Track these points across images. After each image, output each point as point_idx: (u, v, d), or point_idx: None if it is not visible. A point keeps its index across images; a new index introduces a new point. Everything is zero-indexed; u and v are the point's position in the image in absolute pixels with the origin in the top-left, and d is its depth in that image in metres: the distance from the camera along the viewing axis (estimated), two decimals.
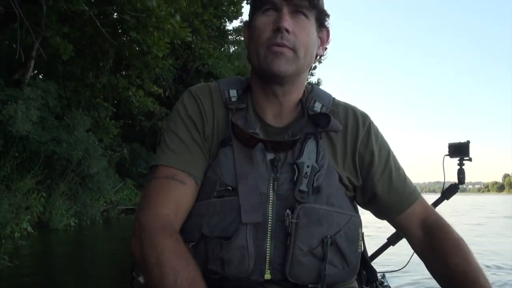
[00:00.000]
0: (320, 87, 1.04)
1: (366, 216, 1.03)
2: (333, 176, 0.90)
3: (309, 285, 0.86)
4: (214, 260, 0.84)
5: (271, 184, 0.86)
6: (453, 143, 1.97)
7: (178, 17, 8.90)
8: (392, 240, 1.86)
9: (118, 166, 13.75)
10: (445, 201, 1.98)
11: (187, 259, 0.75)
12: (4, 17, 8.29)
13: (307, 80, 1.02)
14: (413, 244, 0.97)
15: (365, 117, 0.98)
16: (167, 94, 15.16)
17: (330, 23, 0.95)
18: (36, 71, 10.24)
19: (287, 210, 0.84)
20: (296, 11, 0.87)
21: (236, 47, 20.89)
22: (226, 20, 17.44)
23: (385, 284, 1.41)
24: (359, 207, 1.00)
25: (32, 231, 7.57)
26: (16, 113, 7.54)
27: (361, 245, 0.94)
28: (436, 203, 1.92)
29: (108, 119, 12.00)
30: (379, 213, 1.00)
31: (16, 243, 6.33)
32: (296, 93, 0.94)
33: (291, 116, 0.94)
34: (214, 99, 0.94)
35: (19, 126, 7.58)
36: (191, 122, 0.91)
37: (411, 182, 0.99)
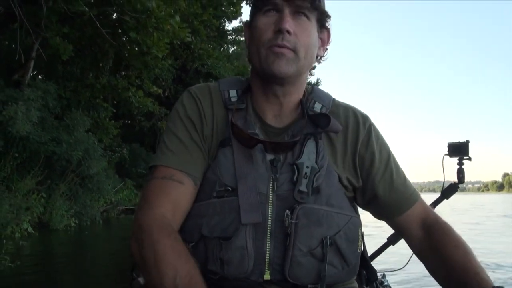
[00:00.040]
0: (319, 87, 1.04)
1: (366, 215, 1.04)
2: (332, 177, 0.90)
3: (309, 286, 0.86)
4: (214, 260, 0.84)
5: (271, 185, 0.86)
6: (452, 142, 1.97)
7: (177, 18, 8.90)
8: (392, 240, 1.87)
9: (117, 166, 13.75)
10: (445, 200, 1.99)
11: (185, 257, 0.75)
12: (4, 18, 8.29)
13: (307, 80, 1.02)
14: (412, 245, 0.97)
15: (365, 118, 0.98)
16: (166, 94, 15.16)
17: (331, 23, 0.95)
18: (36, 72, 10.23)
19: (287, 211, 0.84)
20: (298, 12, 0.87)
21: (235, 47, 20.88)
22: (226, 20, 17.44)
23: (385, 283, 1.40)
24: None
25: (33, 231, 7.57)
26: (17, 114, 7.54)
27: (360, 245, 0.94)
28: (436, 202, 1.93)
29: (107, 119, 11.99)
30: (379, 214, 1.00)
31: (17, 244, 6.33)
32: (297, 94, 0.94)
33: (291, 116, 0.94)
34: (213, 99, 0.94)
35: (19, 127, 7.58)
36: (190, 122, 0.91)
37: (410, 183, 0.99)
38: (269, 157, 0.88)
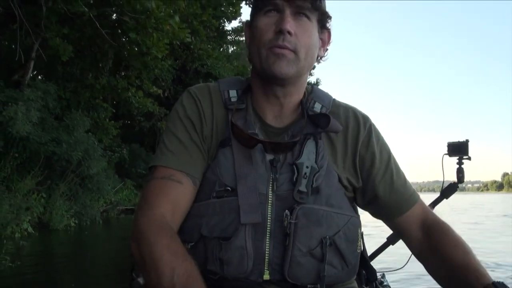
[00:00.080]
0: (319, 87, 1.04)
1: (365, 215, 1.04)
2: (332, 177, 0.90)
3: (308, 286, 0.86)
4: (213, 260, 0.84)
5: (270, 185, 0.86)
6: (452, 142, 1.97)
7: (177, 18, 8.90)
8: (391, 239, 1.86)
9: (117, 166, 13.74)
10: (445, 200, 1.99)
11: (183, 256, 0.75)
12: (3, 18, 8.28)
13: (307, 80, 1.02)
14: (411, 246, 0.97)
15: (366, 118, 0.98)
16: (166, 94, 15.15)
17: (331, 24, 0.95)
18: (35, 72, 10.22)
19: (286, 211, 0.84)
20: (298, 12, 0.86)
21: (235, 48, 20.85)
22: (225, 20, 17.41)
23: (385, 283, 1.40)
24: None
25: (33, 231, 7.57)
26: (17, 114, 7.54)
27: (360, 245, 0.94)
28: (436, 202, 1.92)
29: (107, 119, 11.99)
30: (378, 214, 1.00)
31: (17, 244, 6.32)
32: (297, 94, 0.94)
33: (291, 116, 0.94)
34: (213, 99, 0.94)
35: (19, 127, 7.58)
36: (190, 122, 0.91)
37: (410, 184, 0.99)
38: (269, 157, 0.88)
